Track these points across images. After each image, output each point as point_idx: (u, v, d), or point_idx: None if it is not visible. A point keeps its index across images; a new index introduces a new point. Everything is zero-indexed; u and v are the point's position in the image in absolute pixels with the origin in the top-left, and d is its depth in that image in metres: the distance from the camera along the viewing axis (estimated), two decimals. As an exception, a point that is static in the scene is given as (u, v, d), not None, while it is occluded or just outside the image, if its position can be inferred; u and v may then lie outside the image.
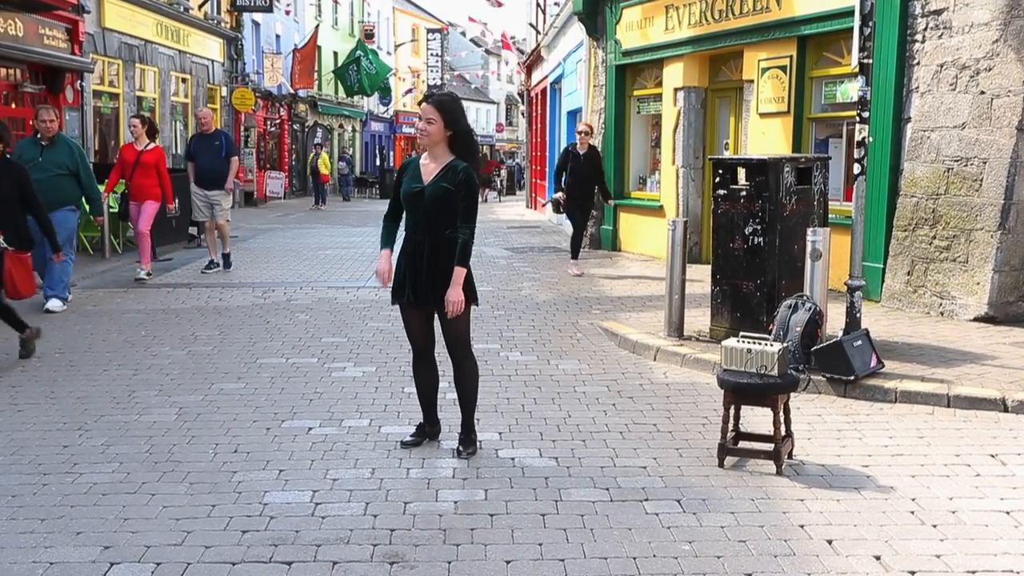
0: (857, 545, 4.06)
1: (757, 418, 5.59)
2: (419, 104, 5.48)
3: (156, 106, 21.83)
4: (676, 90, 13.96)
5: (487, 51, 63.85)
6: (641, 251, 14.82)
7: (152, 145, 11.87)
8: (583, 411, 6.13)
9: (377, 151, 50.24)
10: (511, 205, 32.82)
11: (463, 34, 64.77)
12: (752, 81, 12.21)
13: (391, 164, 47.56)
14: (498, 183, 41.08)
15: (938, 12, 9.35)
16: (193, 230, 16.05)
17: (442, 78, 53.57)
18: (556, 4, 22.71)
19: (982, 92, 8.86)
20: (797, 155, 9.64)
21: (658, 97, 14.68)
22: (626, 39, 15.12)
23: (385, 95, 45.24)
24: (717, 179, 7.99)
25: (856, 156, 7.13)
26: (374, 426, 5.79)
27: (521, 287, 11.60)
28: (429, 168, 5.14)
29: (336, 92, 40.42)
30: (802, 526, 4.27)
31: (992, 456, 5.25)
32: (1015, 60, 8.62)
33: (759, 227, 7.63)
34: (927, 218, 9.17)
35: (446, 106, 5.12)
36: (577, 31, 17.87)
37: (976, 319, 8.60)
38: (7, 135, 8.01)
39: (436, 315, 5.23)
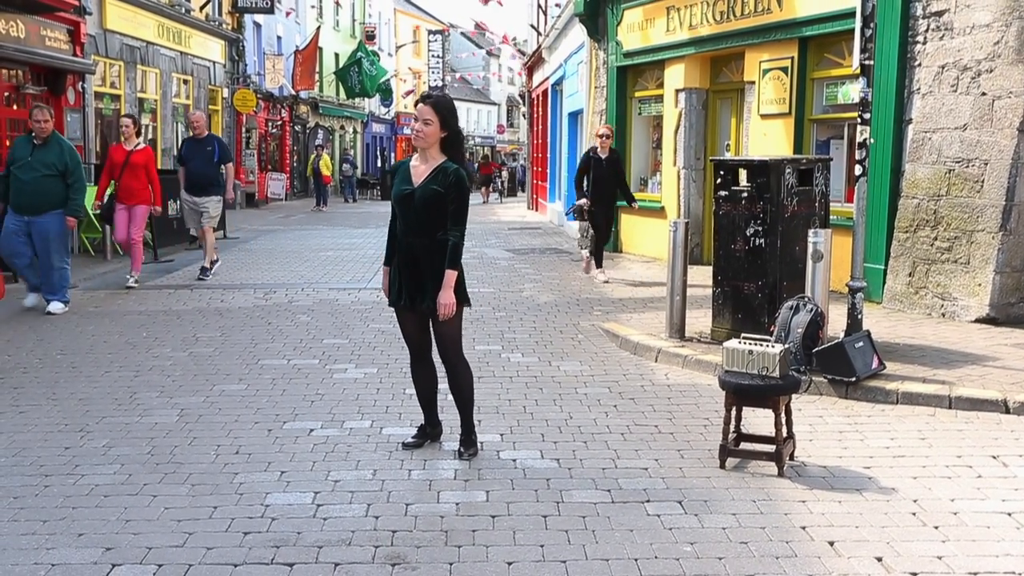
0: (859, 546, 4.06)
1: (758, 419, 5.59)
2: (415, 106, 5.44)
3: (158, 107, 21.85)
4: (677, 91, 13.96)
5: (488, 52, 63.86)
6: (642, 252, 14.82)
7: (141, 145, 11.59)
8: (584, 412, 6.13)
9: (378, 152, 50.28)
10: (512, 206, 32.83)
11: (464, 35, 64.79)
12: (753, 82, 12.21)
13: (390, 167, 47.54)
14: (499, 184, 41.12)
15: (939, 13, 9.35)
16: (194, 231, 16.07)
17: (443, 79, 53.60)
18: (557, 6, 22.72)
19: (983, 93, 8.86)
20: (798, 156, 9.64)
21: (659, 98, 14.68)
22: (627, 40, 15.12)
23: (387, 97, 45.27)
24: (718, 180, 7.99)
25: (857, 157, 7.13)
26: (375, 427, 5.79)
27: (522, 289, 11.60)
28: (419, 170, 5.11)
29: (337, 93, 40.44)
30: (804, 527, 4.27)
31: (994, 457, 5.24)
32: (1016, 61, 8.62)
33: (760, 228, 7.63)
34: (928, 219, 9.17)
35: (442, 107, 5.09)
36: (578, 32, 17.87)
37: (977, 320, 8.60)
38: None
39: (432, 322, 5.19)
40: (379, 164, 48.32)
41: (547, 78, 24.83)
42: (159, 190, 11.72)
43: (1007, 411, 6.05)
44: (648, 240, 14.52)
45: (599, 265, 12.26)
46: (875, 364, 6.69)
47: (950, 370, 6.85)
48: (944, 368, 6.91)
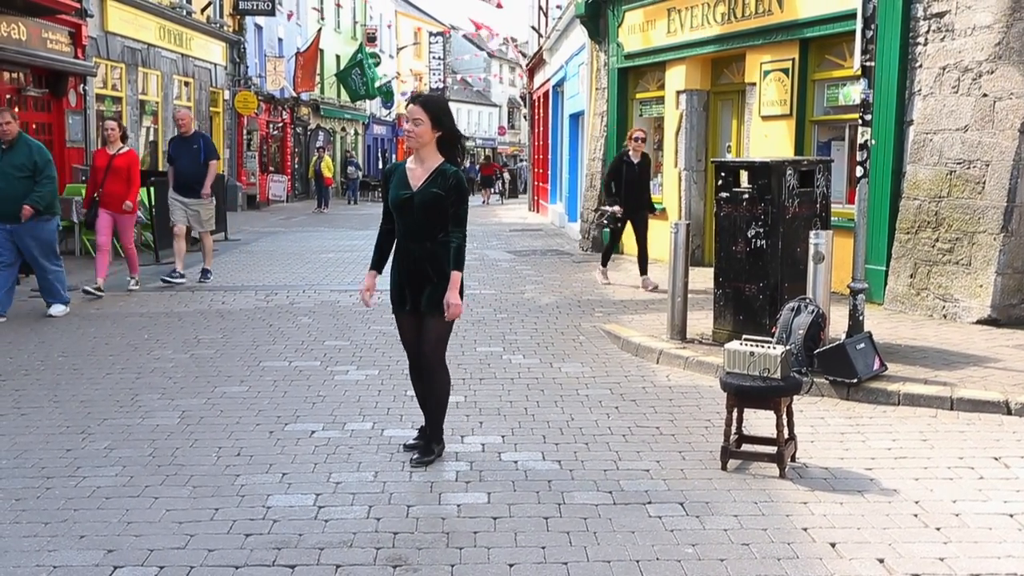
0: (860, 548, 4.05)
1: (760, 421, 5.59)
2: (406, 107, 5.33)
3: (159, 109, 21.86)
4: (678, 93, 13.96)
5: (489, 54, 63.89)
6: (643, 254, 14.78)
7: (124, 149, 11.19)
8: (586, 414, 6.13)
9: (380, 154, 50.31)
10: (513, 208, 32.83)
11: (465, 37, 64.85)
12: (754, 84, 12.21)
13: (384, 172, 47.51)
14: (499, 186, 41.17)
15: (940, 15, 9.35)
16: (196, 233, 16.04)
17: (444, 81, 53.64)
18: (558, 7, 22.71)
19: (984, 95, 8.86)
20: (799, 158, 9.63)
21: (660, 100, 14.69)
22: (628, 42, 15.13)
23: (388, 99, 45.31)
24: (719, 182, 8.00)
25: (858, 159, 7.13)
26: (377, 429, 5.79)
27: (524, 290, 11.60)
28: (416, 173, 5.01)
29: (339, 95, 40.46)
30: (805, 529, 4.27)
31: (995, 459, 5.24)
32: (1017, 62, 8.62)
33: (761, 230, 7.63)
34: (930, 221, 9.17)
35: (432, 106, 5.00)
36: (579, 34, 17.88)
37: (979, 322, 8.59)
38: None
39: (422, 323, 5.08)
40: (380, 166, 48.34)
41: (548, 80, 24.84)
42: (136, 190, 11.38)
43: (1009, 412, 6.04)
44: (649, 242, 14.49)
45: (644, 272, 11.52)
46: (876, 365, 6.68)
47: (952, 371, 6.85)
48: (946, 369, 6.90)
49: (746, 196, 7.72)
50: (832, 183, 8.33)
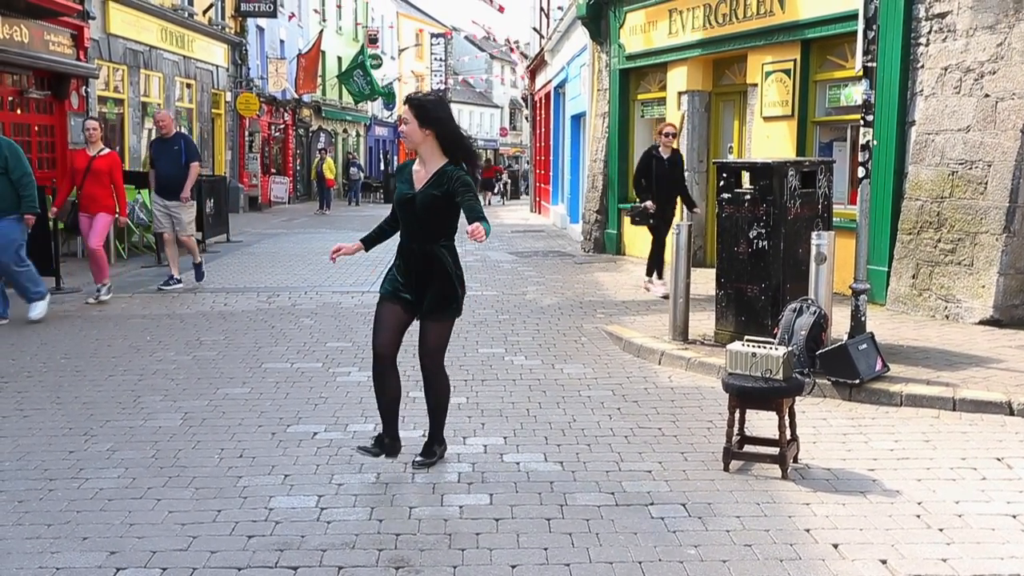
0: (863, 549, 4.05)
1: (762, 422, 5.58)
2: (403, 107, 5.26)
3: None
4: (680, 94, 13.96)
5: (491, 55, 63.94)
6: (645, 255, 14.74)
7: (106, 151, 10.77)
8: (588, 415, 6.13)
9: (381, 156, 50.33)
10: (515, 209, 32.84)
11: (467, 39, 64.88)
12: (756, 85, 12.21)
13: (395, 169, 47.58)
14: (500, 188, 41.23)
15: (942, 15, 9.34)
16: (198, 235, 16.05)
17: (445, 82, 53.65)
18: (560, 8, 22.73)
19: (986, 95, 8.86)
20: (801, 159, 9.62)
21: (662, 101, 14.69)
22: (630, 43, 15.13)
23: (390, 100, 45.35)
24: (721, 183, 8.00)
25: (860, 159, 7.13)
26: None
27: (526, 291, 11.60)
28: (420, 174, 4.95)
29: (340, 97, 40.48)
30: (808, 530, 4.26)
31: (998, 459, 5.24)
32: (1019, 63, 8.61)
33: (763, 231, 7.63)
34: (932, 221, 9.16)
35: (417, 105, 4.87)
36: (581, 35, 17.88)
37: (981, 322, 8.58)
38: None
39: (421, 326, 5.01)
40: (382, 167, 48.37)
41: (550, 81, 24.85)
42: (124, 198, 11.06)
43: (1011, 413, 6.04)
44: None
45: (659, 276, 11.17)
46: (879, 366, 6.68)
47: (954, 372, 6.84)
48: (948, 370, 6.90)
49: (748, 197, 7.72)
50: (834, 184, 8.33)
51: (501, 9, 28.81)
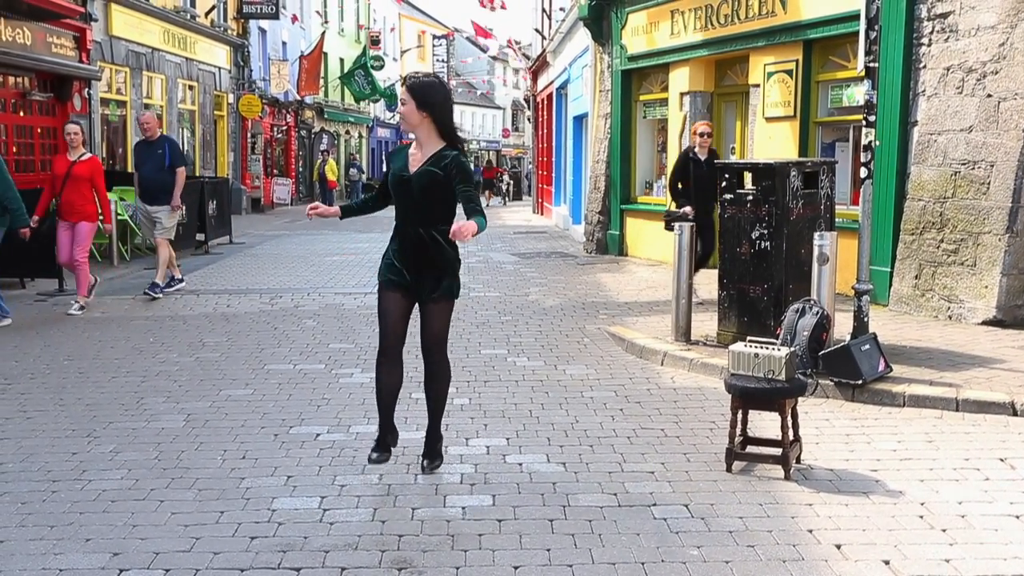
0: (866, 550, 4.05)
1: (765, 423, 5.58)
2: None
3: (163, 113, 21.90)
4: (682, 95, 13.96)
5: (493, 57, 63.93)
6: (648, 256, 14.81)
7: (87, 155, 10.36)
8: (590, 416, 6.13)
9: (384, 157, 50.34)
10: (517, 211, 32.85)
11: (469, 40, 64.92)
12: (758, 85, 12.21)
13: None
14: (501, 189, 41.28)
15: (944, 15, 9.34)
16: (200, 236, 16.10)
17: (447, 83, 53.63)
18: (562, 10, 22.73)
19: (989, 95, 8.85)
20: (803, 159, 9.63)
21: (664, 102, 14.69)
22: (632, 44, 15.13)
23: (392, 101, 45.37)
24: (724, 183, 7.99)
25: (863, 160, 7.12)
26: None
27: (528, 292, 11.61)
28: (416, 158, 4.93)
29: (343, 98, 40.51)
30: (811, 531, 4.26)
31: (1001, 460, 5.23)
32: (1022, 63, 8.60)
33: (766, 231, 7.63)
34: (934, 222, 9.15)
35: (415, 86, 4.86)
36: (583, 36, 17.89)
37: (984, 323, 8.58)
38: None
39: (421, 312, 4.97)
40: (384, 168, 48.38)
41: (552, 82, 24.86)
42: (107, 205, 10.77)
43: (1015, 413, 6.03)
44: (653, 243, 14.50)
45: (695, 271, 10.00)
46: (881, 367, 6.67)
47: (957, 372, 6.83)
48: (951, 371, 6.89)
49: (750, 198, 7.72)
50: (836, 184, 8.32)
51: (502, 6, 28.81)
